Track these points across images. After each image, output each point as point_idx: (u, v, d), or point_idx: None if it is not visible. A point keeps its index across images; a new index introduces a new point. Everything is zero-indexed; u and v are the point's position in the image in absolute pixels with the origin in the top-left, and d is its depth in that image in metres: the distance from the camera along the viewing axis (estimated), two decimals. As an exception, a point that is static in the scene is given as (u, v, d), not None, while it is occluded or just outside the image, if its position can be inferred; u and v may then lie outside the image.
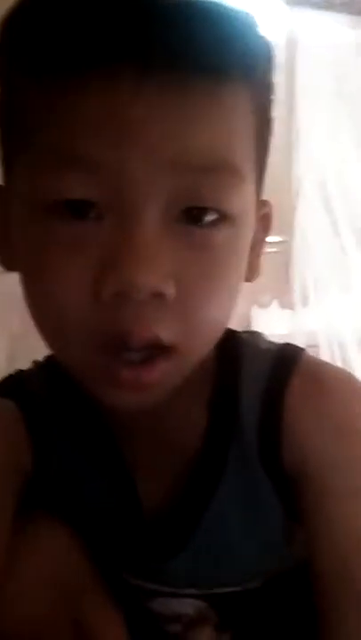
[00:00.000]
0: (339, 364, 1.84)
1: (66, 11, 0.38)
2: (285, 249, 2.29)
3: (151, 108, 0.37)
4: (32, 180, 0.40)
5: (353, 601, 0.46)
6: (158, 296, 0.40)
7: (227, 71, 0.40)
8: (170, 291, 0.40)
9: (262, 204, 0.52)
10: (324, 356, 1.91)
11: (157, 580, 0.60)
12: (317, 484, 0.49)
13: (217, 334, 0.47)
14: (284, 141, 1.96)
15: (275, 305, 2.59)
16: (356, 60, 1.74)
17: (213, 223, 0.42)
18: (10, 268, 0.47)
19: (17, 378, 0.61)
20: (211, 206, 0.41)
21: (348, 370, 0.57)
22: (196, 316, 0.43)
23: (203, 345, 0.46)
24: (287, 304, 2.43)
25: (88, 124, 0.38)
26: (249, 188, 0.44)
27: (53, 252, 0.41)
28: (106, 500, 0.57)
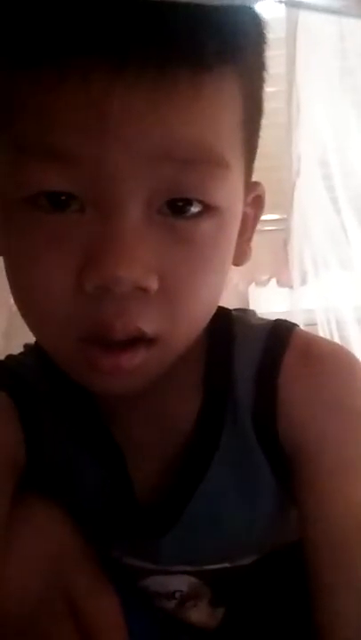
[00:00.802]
0: (338, 342, 1.83)
1: (41, 5, 0.36)
2: (284, 226, 2.28)
3: (127, 101, 0.36)
4: (12, 171, 0.40)
5: (345, 576, 0.46)
6: (141, 290, 0.40)
7: (208, 58, 0.38)
8: (153, 285, 0.40)
9: (253, 187, 0.51)
10: (324, 334, 1.91)
11: (151, 559, 0.61)
12: (312, 458, 0.50)
13: (203, 323, 0.47)
14: (284, 117, 1.94)
15: (273, 283, 2.58)
16: (358, 34, 1.71)
17: (198, 214, 0.41)
18: None
19: (7, 365, 0.61)
20: (194, 197, 0.40)
21: (348, 348, 0.57)
22: (181, 309, 0.43)
23: (187, 334, 0.46)
24: (286, 282, 2.42)
25: (66, 118, 0.37)
26: (235, 176, 0.43)
27: (35, 243, 0.41)
28: (99, 483, 0.58)
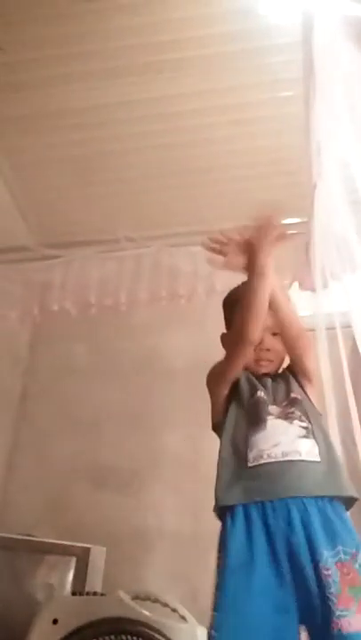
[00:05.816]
0: (359, 345, 1.82)
1: None
2: (305, 230, 2.28)
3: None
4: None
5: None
6: (267, 351, 1.67)
7: None
8: (270, 354, 1.68)
9: None
10: (346, 337, 1.90)
11: None
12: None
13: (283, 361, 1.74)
14: (304, 120, 1.94)
15: (295, 287, 2.58)
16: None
17: (277, 335, 1.65)
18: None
19: None
20: (275, 332, 1.66)
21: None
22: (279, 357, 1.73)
23: (282, 359, 1.72)
24: (308, 286, 2.41)
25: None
26: None
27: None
28: None
